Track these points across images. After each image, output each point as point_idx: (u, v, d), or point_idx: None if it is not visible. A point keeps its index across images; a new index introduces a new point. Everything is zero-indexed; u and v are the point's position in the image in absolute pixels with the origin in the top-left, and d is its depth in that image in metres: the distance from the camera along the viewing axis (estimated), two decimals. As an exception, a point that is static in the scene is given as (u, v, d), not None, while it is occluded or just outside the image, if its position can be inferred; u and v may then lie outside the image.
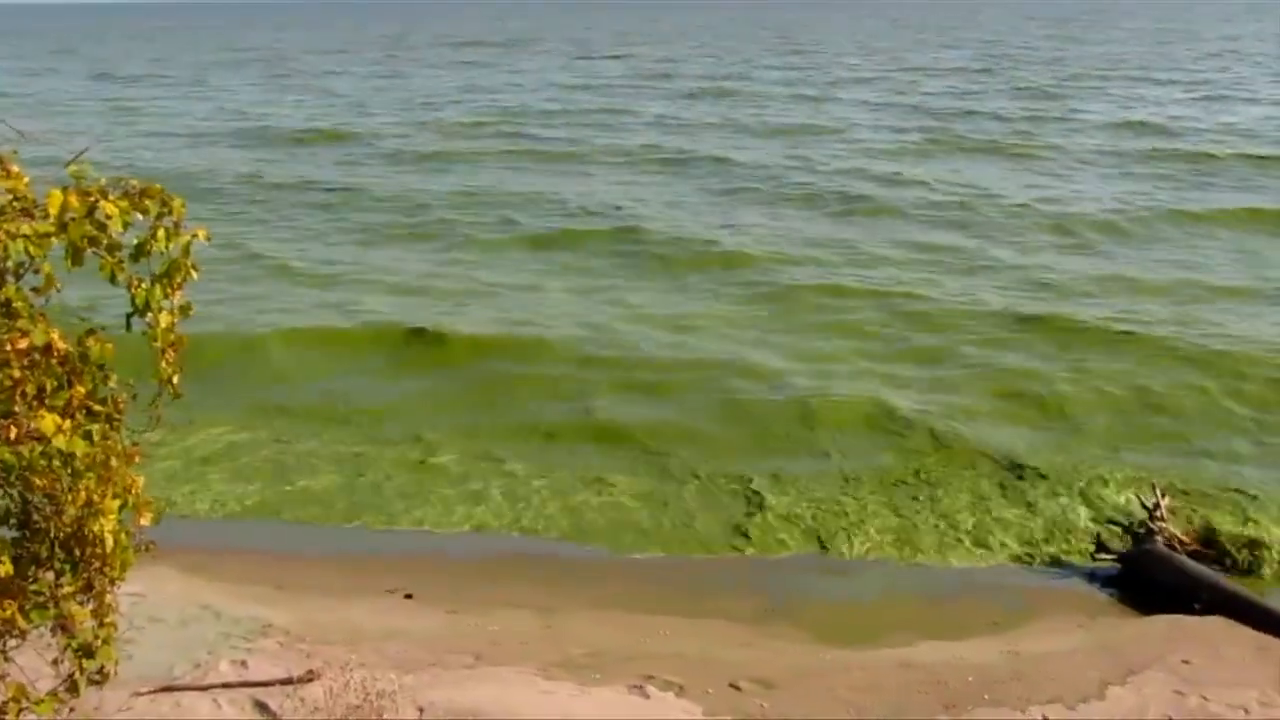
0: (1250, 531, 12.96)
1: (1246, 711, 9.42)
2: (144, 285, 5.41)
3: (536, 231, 29.70)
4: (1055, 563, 12.83)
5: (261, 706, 9.29)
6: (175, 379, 5.67)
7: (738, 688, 10.03)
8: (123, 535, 5.69)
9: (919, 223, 30.90)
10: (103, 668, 5.88)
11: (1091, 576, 12.58)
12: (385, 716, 8.69)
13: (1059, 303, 22.63)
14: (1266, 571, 12.49)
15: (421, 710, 9.27)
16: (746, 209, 32.97)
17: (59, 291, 5.35)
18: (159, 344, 5.50)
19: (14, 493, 5.61)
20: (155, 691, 9.44)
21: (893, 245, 28.18)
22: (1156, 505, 13.06)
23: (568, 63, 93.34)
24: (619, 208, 32.45)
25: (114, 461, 5.57)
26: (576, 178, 38.19)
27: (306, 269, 26.02)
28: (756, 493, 14.39)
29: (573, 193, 34.67)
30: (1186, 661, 10.37)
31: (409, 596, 12.05)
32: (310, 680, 9.64)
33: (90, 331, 5.50)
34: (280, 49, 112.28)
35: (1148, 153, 41.54)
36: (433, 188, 36.22)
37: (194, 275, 5.56)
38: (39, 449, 5.24)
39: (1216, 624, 11.17)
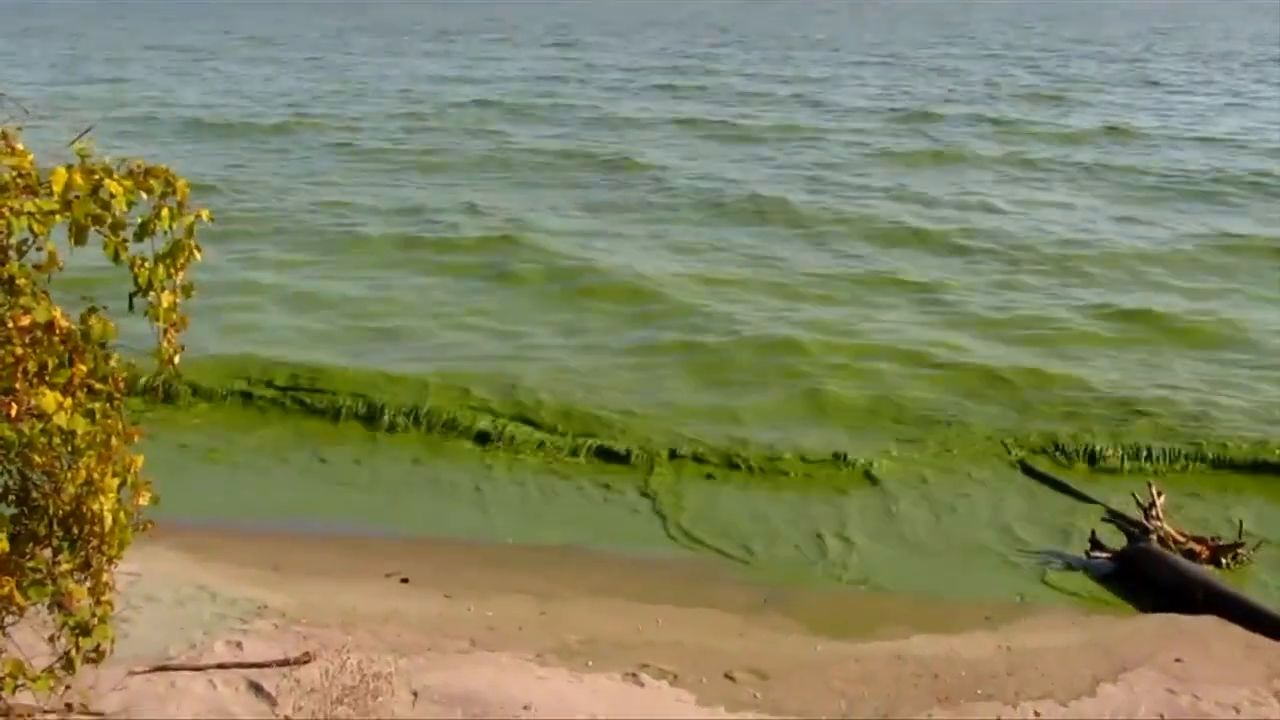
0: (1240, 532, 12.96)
1: (1237, 710, 9.45)
2: (147, 265, 5.42)
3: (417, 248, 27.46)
4: (1050, 559, 12.87)
5: (256, 688, 9.32)
6: (176, 359, 5.69)
7: (732, 678, 10.06)
8: (121, 514, 5.71)
9: (851, 241, 28.38)
10: (99, 646, 5.92)
11: (1086, 573, 12.62)
12: (380, 699, 8.72)
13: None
14: (1258, 571, 12.55)
15: (416, 694, 9.31)
16: (666, 224, 30.46)
17: (61, 270, 5.36)
18: (161, 323, 5.51)
19: (13, 469, 5.64)
20: (150, 671, 9.47)
21: (824, 264, 26.19)
22: (1152, 504, 13.08)
23: (537, 53, 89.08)
24: (521, 222, 29.98)
25: (114, 440, 5.59)
26: (505, 189, 35.59)
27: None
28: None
29: (493, 207, 32.07)
30: (1179, 660, 10.40)
31: (405, 580, 12.07)
32: (306, 662, 9.67)
33: (92, 310, 5.51)
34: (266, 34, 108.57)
35: (1127, 168, 38.54)
36: (354, 196, 33.89)
37: (197, 256, 5.58)
38: (39, 426, 5.26)
39: (1209, 623, 11.20)
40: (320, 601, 11.27)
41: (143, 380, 5.73)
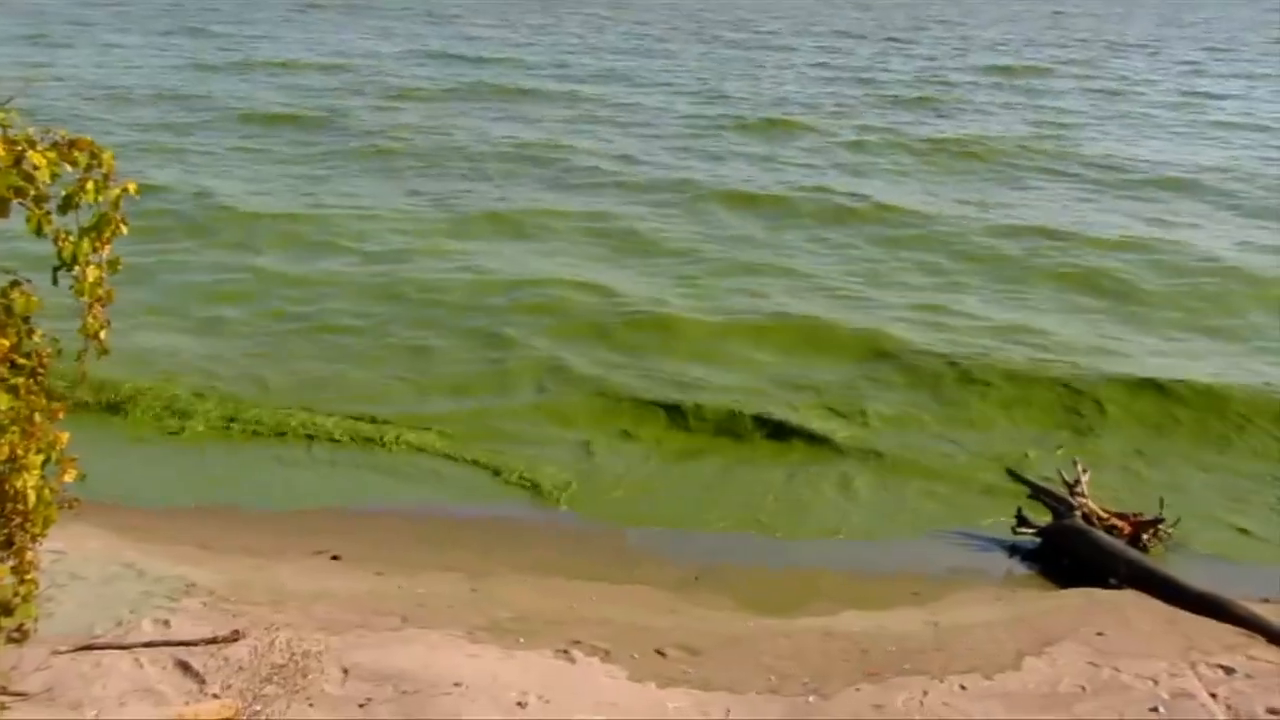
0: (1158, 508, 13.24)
1: (1155, 682, 9.66)
2: (71, 238, 5.34)
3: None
4: (977, 536, 13.09)
5: (184, 666, 9.23)
6: (103, 334, 5.61)
7: (663, 654, 10.12)
8: (45, 491, 5.63)
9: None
10: (21, 625, 5.84)
11: (1012, 549, 12.86)
12: (310, 677, 8.68)
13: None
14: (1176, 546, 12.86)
15: (347, 671, 9.26)
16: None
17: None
18: (86, 298, 5.43)
19: (-67, 446, 5.53)
20: (75, 650, 9.34)
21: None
22: (1077, 481, 13.33)
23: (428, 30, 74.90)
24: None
25: (38, 417, 5.51)
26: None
27: None
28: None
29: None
30: (1100, 633, 10.60)
31: (336, 558, 12.01)
32: (235, 640, 9.59)
33: (15, 284, 5.42)
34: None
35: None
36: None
37: (123, 230, 5.49)
38: (-40, 402, 5.17)
39: (1129, 597, 11.44)
40: (250, 579, 11.18)
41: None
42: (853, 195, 29.82)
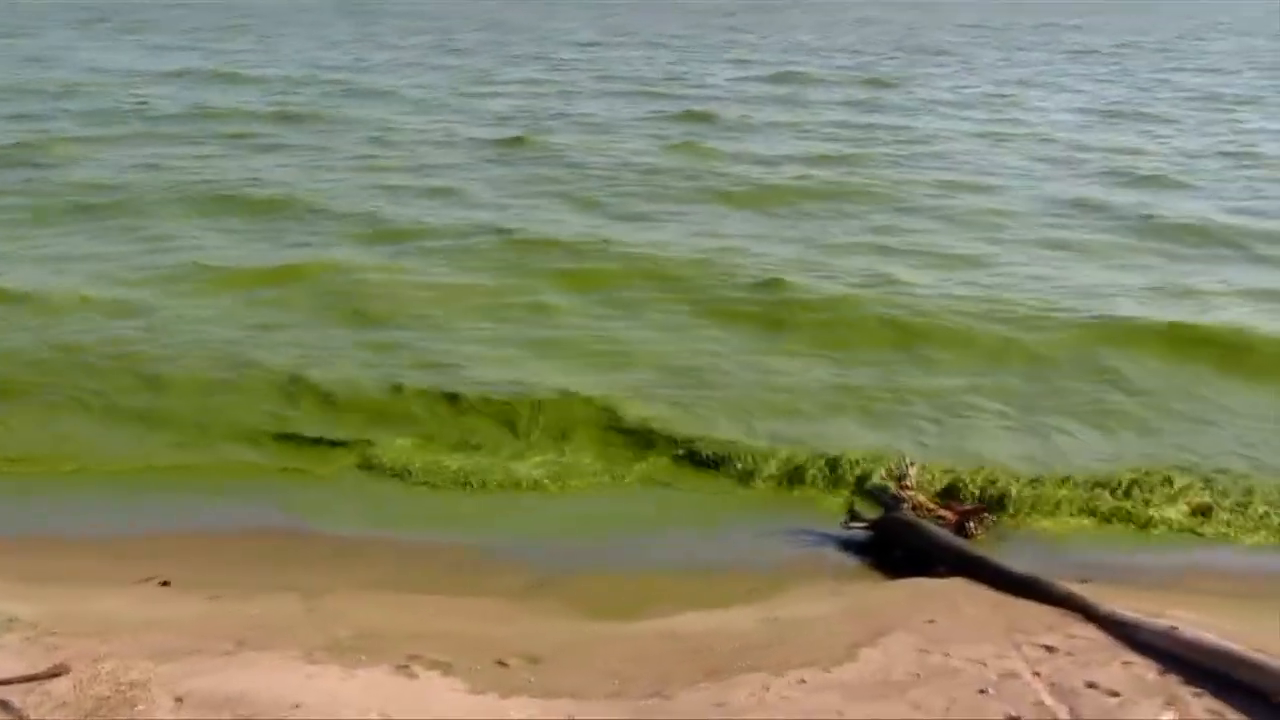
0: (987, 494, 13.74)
1: (984, 665, 10.00)
2: None
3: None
4: (810, 531, 13.38)
5: (4, 705, 8.86)
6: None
7: (504, 664, 10.08)
8: None
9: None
10: None
11: (844, 544, 13.17)
12: (139, 707, 8.41)
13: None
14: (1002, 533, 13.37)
15: (180, 699, 9.01)
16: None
17: None
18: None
19: None
20: (-115, 695, 8.90)
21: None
22: (904, 474, 13.75)
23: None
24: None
25: None
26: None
27: None
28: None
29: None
30: (930, 621, 10.93)
31: (166, 583, 11.67)
32: (57, 674, 9.23)
33: None
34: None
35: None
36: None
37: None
38: None
39: (958, 585, 11.81)
40: (75, 611, 10.77)
41: None
42: (593, 233, 27.52)
